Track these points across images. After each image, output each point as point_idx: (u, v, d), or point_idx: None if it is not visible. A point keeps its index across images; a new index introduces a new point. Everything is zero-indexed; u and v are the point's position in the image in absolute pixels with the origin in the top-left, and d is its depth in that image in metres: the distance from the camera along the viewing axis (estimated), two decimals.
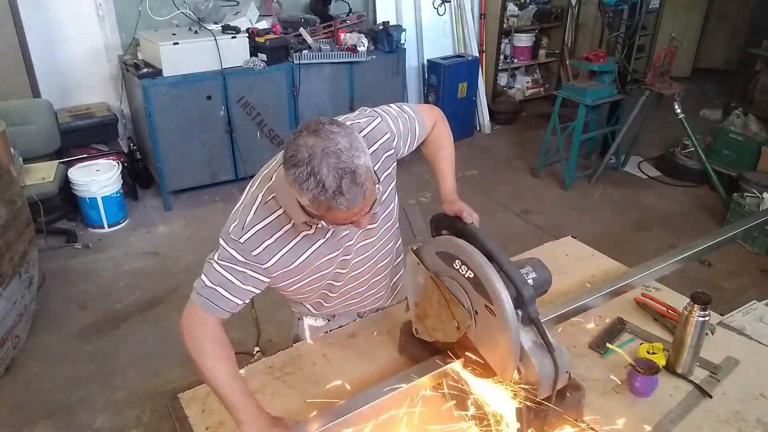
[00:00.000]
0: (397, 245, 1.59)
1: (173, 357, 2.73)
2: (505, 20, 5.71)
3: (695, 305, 1.37)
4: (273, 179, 1.26)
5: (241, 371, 1.43)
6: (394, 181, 1.43)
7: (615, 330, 1.59)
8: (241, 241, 1.24)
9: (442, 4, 5.27)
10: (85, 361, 2.72)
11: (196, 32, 3.91)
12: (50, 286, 3.22)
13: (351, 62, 4.35)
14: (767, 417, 1.31)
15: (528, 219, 4.02)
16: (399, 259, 1.63)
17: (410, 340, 1.44)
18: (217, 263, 1.27)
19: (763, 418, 1.31)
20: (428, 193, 4.23)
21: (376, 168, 1.28)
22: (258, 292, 1.30)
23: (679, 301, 1.65)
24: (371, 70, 4.48)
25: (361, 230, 1.31)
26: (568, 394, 1.19)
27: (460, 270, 1.17)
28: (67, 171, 3.66)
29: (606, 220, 4.05)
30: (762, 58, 5.25)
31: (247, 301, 1.29)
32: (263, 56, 4.02)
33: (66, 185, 3.65)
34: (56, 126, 3.75)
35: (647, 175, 4.76)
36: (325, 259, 1.34)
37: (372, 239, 1.42)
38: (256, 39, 4.03)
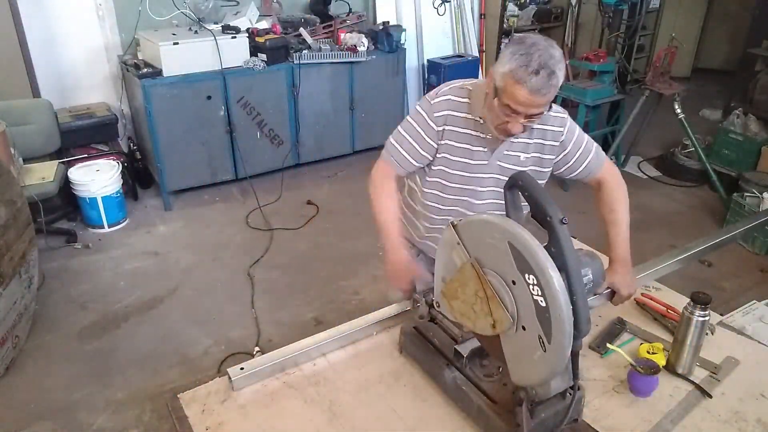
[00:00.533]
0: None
1: (173, 357, 2.73)
2: (505, 20, 5.71)
3: (695, 305, 1.37)
4: (473, 83, 1.56)
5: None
6: (540, 170, 1.63)
7: (615, 330, 1.59)
8: (432, 102, 1.55)
9: (442, 4, 5.27)
10: (85, 361, 2.71)
11: (196, 32, 3.91)
12: (50, 286, 3.22)
13: (351, 62, 4.35)
14: (767, 417, 1.31)
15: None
16: None
17: (411, 340, 1.44)
18: (405, 123, 1.59)
19: (763, 418, 1.31)
20: None
21: (534, 140, 1.59)
22: (425, 155, 1.58)
23: (679, 301, 1.65)
24: (371, 70, 4.48)
25: (497, 165, 1.57)
26: (568, 394, 1.18)
27: (531, 288, 1.02)
28: (67, 171, 3.66)
29: None
30: (762, 58, 5.25)
31: (417, 161, 1.59)
32: (263, 56, 4.02)
33: (66, 185, 3.65)
34: (56, 126, 3.75)
35: (647, 175, 4.76)
36: (473, 162, 1.57)
37: (498, 185, 1.56)
38: (256, 39, 4.03)
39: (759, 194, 3.65)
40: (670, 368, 1.43)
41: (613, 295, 1.58)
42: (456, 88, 1.55)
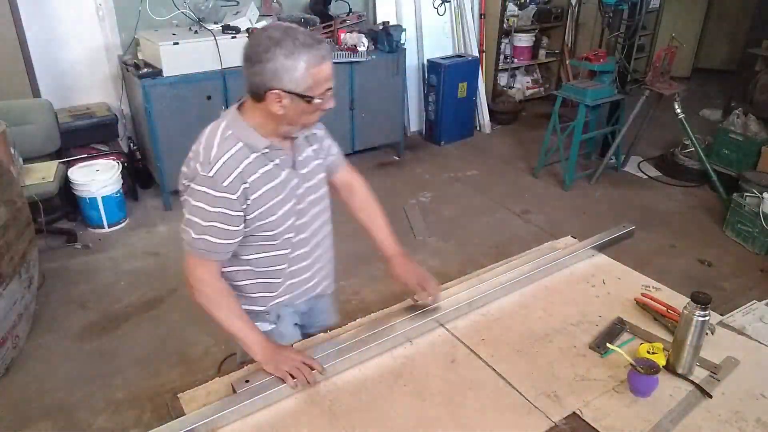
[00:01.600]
0: (331, 241, 1.69)
1: (173, 357, 2.73)
2: (505, 20, 5.71)
3: (695, 305, 1.37)
4: (224, 121, 1.39)
5: (240, 371, 1.45)
6: (321, 161, 1.56)
7: (615, 330, 1.59)
8: (211, 175, 1.31)
9: (442, 4, 5.27)
10: (85, 361, 2.72)
11: (196, 32, 3.91)
12: (50, 286, 3.22)
13: (351, 62, 4.35)
14: (767, 417, 1.31)
15: (528, 219, 4.02)
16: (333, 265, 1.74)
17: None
18: (197, 211, 1.33)
19: (763, 418, 1.31)
20: (428, 193, 4.23)
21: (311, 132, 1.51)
22: (239, 229, 1.38)
23: (679, 301, 1.65)
24: (371, 70, 4.48)
25: (303, 173, 1.46)
26: None
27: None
28: (67, 171, 3.66)
29: (606, 220, 4.04)
30: (762, 58, 5.25)
31: (235, 240, 1.39)
32: None
33: (66, 185, 3.65)
34: (56, 126, 3.75)
35: (647, 175, 4.76)
36: (286, 186, 1.42)
37: (313, 190, 1.52)
38: None
39: (759, 194, 3.65)
40: (670, 368, 1.43)
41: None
42: (221, 144, 1.35)
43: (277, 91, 1.27)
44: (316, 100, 1.30)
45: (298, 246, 1.53)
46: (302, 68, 1.25)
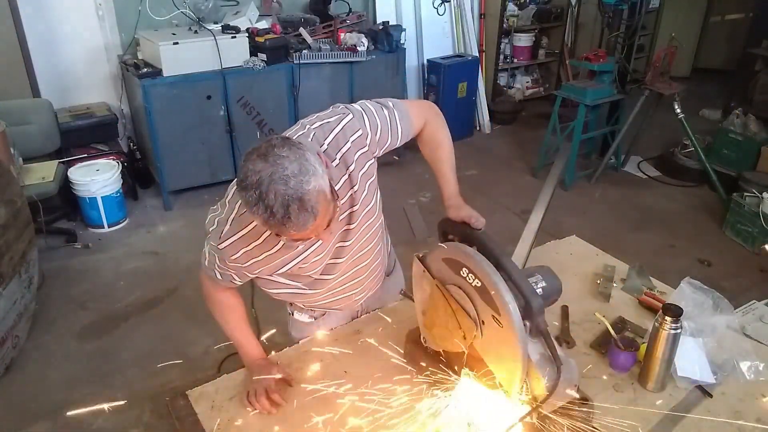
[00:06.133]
0: (384, 238, 1.59)
1: (173, 357, 2.73)
2: (505, 20, 5.71)
3: (666, 317, 1.32)
4: (241, 208, 1.25)
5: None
6: (374, 178, 1.39)
7: (616, 330, 1.59)
8: (220, 248, 1.29)
9: (442, 3, 5.27)
10: (85, 361, 2.71)
11: (196, 32, 3.91)
12: (50, 286, 3.22)
13: (351, 62, 4.35)
14: (767, 417, 1.32)
15: (528, 219, 4.02)
16: (389, 251, 1.69)
17: (416, 347, 1.43)
18: (208, 254, 1.37)
19: (763, 418, 1.31)
20: (428, 193, 4.23)
21: (351, 167, 1.30)
22: (248, 279, 1.40)
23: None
24: (371, 69, 4.48)
25: (338, 234, 1.35)
26: (576, 409, 1.16)
27: (467, 278, 1.13)
28: (67, 171, 3.66)
29: (606, 220, 4.05)
30: (762, 58, 5.25)
31: (241, 282, 1.40)
32: (263, 56, 4.02)
33: (66, 185, 3.65)
34: (56, 126, 3.75)
35: (647, 174, 4.76)
36: (312, 261, 1.35)
37: (352, 240, 1.40)
38: (256, 39, 4.03)
39: (759, 194, 3.65)
40: (642, 383, 1.40)
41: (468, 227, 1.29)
42: (232, 223, 1.27)
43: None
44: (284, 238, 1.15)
45: (327, 283, 1.46)
46: (259, 222, 1.07)
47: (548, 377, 1.10)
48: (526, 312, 1.08)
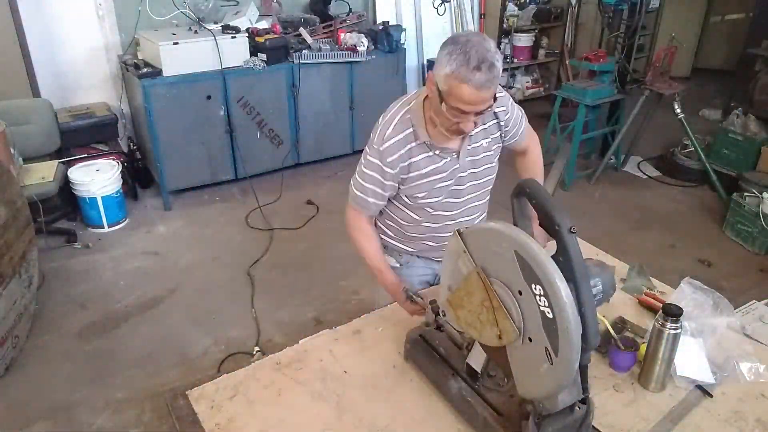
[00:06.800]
0: (486, 205, 1.84)
1: (173, 357, 2.73)
2: (505, 20, 5.71)
3: (666, 317, 1.33)
4: (412, 104, 1.55)
5: (248, 367, 1.46)
6: (496, 152, 1.69)
7: (616, 329, 1.58)
8: (382, 149, 1.54)
9: (442, 4, 5.27)
10: (85, 361, 2.71)
11: (196, 32, 3.91)
12: (50, 286, 3.22)
13: (351, 62, 4.35)
14: (767, 417, 1.32)
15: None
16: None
17: (416, 348, 1.43)
18: (362, 173, 1.60)
19: (763, 418, 1.31)
20: None
21: (490, 123, 1.63)
22: (390, 194, 1.63)
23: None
24: (371, 70, 4.48)
25: (468, 161, 1.61)
26: (577, 408, 1.15)
27: (538, 299, 1.00)
28: (67, 171, 3.66)
29: (606, 220, 4.05)
30: (762, 58, 5.24)
31: (384, 203, 1.65)
32: (263, 56, 4.02)
33: (66, 185, 3.65)
34: (56, 126, 3.75)
35: (647, 174, 4.76)
36: (439, 181, 1.60)
37: (476, 177, 1.67)
38: (256, 39, 4.03)
39: (759, 194, 3.65)
40: (642, 383, 1.40)
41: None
42: (397, 124, 1.54)
43: (431, 73, 1.43)
44: (444, 107, 1.39)
45: (444, 219, 1.69)
46: (447, 71, 1.34)
47: (563, 402, 1.08)
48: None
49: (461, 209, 1.70)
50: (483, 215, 1.82)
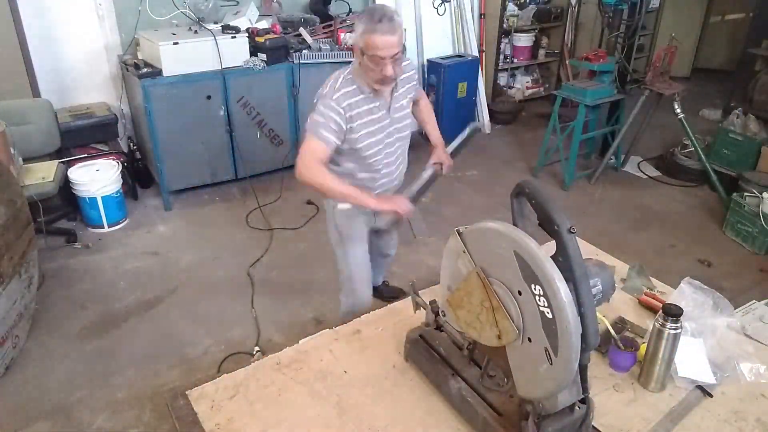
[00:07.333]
0: (406, 154, 2.29)
1: (173, 357, 2.73)
2: (505, 20, 5.71)
3: (666, 317, 1.33)
4: (350, 69, 1.99)
5: (248, 367, 1.46)
6: (409, 106, 2.18)
7: (616, 329, 1.58)
8: (333, 98, 1.91)
9: (442, 4, 5.27)
10: (85, 361, 2.71)
11: (196, 32, 3.91)
12: (50, 286, 3.22)
13: (351, 62, 4.34)
14: (767, 417, 1.32)
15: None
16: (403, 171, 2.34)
17: (415, 348, 1.43)
18: (319, 112, 1.91)
19: (763, 418, 1.31)
20: (428, 193, 4.22)
21: (407, 73, 2.12)
22: (340, 132, 1.93)
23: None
24: None
25: (396, 116, 2.07)
26: (577, 408, 1.15)
27: (537, 299, 1.00)
28: (67, 171, 3.66)
29: (606, 220, 4.05)
30: (762, 58, 5.25)
31: (337, 139, 1.93)
32: (263, 56, 4.02)
33: (66, 185, 3.65)
34: (56, 126, 3.75)
35: (647, 174, 4.76)
36: (380, 123, 2.02)
37: (398, 125, 2.11)
38: (256, 39, 4.03)
39: (759, 194, 3.65)
40: (642, 383, 1.40)
41: (440, 167, 2.24)
42: (342, 82, 1.95)
43: (353, 44, 1.89)
44: (365, 59, 1.84)
45: (385, 167, 2.13)
46: (360, 30, 1.82)
47: (562, 402, 1.08)
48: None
49: (392, 158, 2.14)
50: (404, 166, 2.29)
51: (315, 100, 1.99)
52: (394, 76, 1.90)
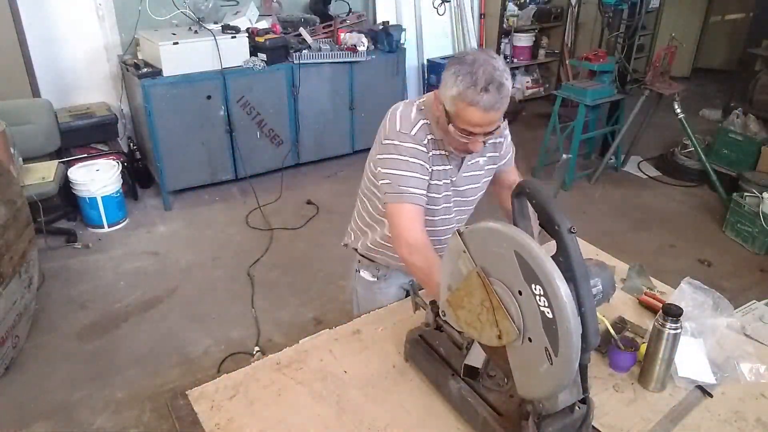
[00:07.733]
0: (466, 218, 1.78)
1: (173, 357, 2.73)
2: (505, 20, 5.72)
3: (666, 317, 1.33)
4: (419, 100, 1.52)
5: (248, 367, 1.46)
6: (490, 176, 1.70)
7: (616, 329, 1.58)
8: (412, 133, 1.46)
9: (442, 3, 5.27)
10: (85, 361, 2.71)
11: (196, 32, 3.91)
12: (50, 286, 3.22)
13: (351, 62, 4.35)
14: (767, 417, 1.31)
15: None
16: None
17: (415, 348, 1.43)
18: (398, 162, 1.45)
19: (763, 418, 1.31)
20: None
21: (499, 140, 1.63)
22: (426, 180, 1.48)
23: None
24: (371, 69, 4.48)
25: (464, 176, 1.58)
26: (577, 408, 1.15)
27: (538, 299, 0.99)
28: (67, 171, 3.66)
29: (606, 220, 4.05)
30: (762, 58, 5.25)
31: (425, 191, 1.49)
32: (263, 56, 4.02)
33: (66, 185, 3.65)
34: (56, 126, 3.75)
35: (647, 174, 4.76)
36: (443, 180, 1.55)
37: (464, 195, 1.64)
38: (256, 39, 4.03)
39: (759, 194, 3.65)
40: (642, 383, 1.40)
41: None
42: (418, 112, 1.49)
43: (437, 93, 1.41)
44: (452, 128, 1.38)
45: (431, 234, 1.55)
46: (454, 93, 1.33)
47: (563, 402, 1.09)
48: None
49: (444, 227, 1.65)
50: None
51: (379, 142, 1.53)
52: (481, 150, 1.50)
